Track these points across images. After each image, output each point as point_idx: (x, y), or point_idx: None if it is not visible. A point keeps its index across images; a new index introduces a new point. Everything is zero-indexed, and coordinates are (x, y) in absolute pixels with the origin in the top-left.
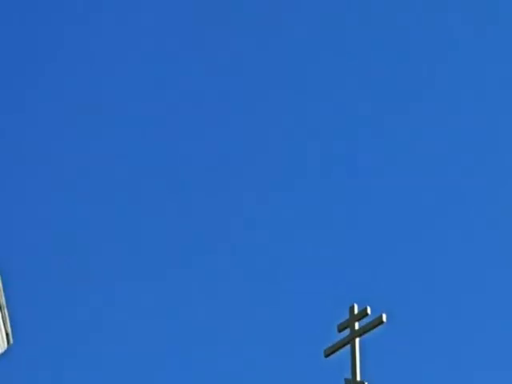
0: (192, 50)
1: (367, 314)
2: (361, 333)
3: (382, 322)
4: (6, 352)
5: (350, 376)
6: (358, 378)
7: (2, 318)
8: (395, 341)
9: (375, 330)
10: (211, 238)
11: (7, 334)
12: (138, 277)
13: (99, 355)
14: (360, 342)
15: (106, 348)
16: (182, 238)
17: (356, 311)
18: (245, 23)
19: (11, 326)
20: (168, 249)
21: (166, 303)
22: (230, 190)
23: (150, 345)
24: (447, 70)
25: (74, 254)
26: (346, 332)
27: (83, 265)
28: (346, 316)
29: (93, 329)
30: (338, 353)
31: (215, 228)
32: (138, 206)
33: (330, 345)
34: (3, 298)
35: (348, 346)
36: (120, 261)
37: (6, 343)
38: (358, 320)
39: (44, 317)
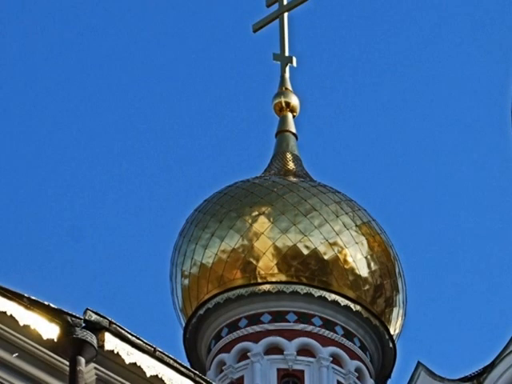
0: None
1: None
2: (289, 7)
3: None
4: None
5: (278, 51)
6: (287, 54)
7: None
8: (323, 18)
9: (303, 5)
10: None
11: None
12: None
13: None
14: (288, 18)
15: None
16: None
17: None
18: None
19: None
20: None
21: None
22: None
23: None
24: None
25: None
26: (275, 7)
27: None
28: None
29: None
30: (266, 28)
31: None
32: None
33: (258, 20)
34: None
35: (276, 21)
36: None
37: None
38: None
39: None
